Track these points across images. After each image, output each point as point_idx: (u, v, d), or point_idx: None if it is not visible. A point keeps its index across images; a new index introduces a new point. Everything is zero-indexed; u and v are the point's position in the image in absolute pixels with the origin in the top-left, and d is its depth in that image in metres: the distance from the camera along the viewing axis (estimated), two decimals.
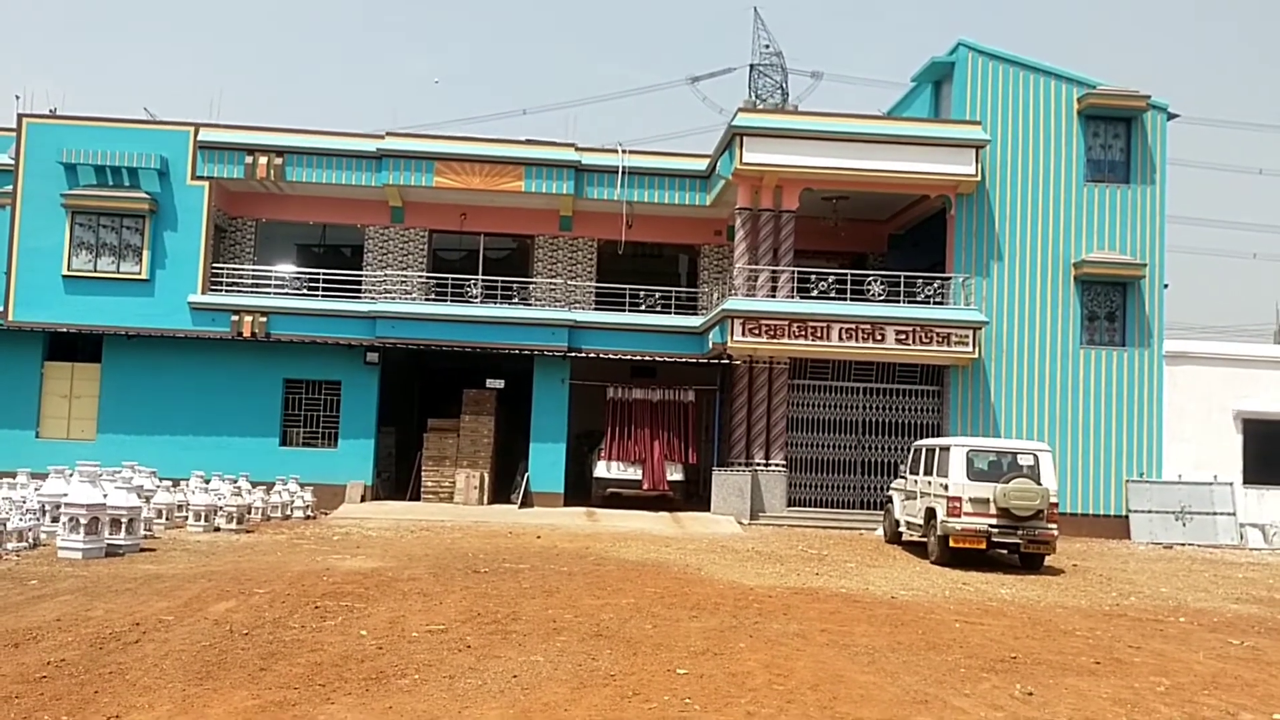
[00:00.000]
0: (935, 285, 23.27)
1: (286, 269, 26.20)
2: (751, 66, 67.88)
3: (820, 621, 11.05)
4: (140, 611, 9.91)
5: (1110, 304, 23.90)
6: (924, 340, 22.34)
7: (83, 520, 13.47)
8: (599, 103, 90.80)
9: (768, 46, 67.95)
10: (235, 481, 20.02)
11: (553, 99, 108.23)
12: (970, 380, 23.25)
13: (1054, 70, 24.09)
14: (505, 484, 24.86)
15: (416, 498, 23.87)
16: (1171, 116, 24.17)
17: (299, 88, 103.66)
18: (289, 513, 20.56)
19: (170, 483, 19.35)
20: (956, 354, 22.50)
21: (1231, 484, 23.12)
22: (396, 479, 25.20)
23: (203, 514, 17.56)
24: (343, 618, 10.09)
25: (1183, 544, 22.41)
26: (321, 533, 18.21)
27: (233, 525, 17.73)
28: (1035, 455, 17.04)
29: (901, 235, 27.17)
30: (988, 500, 16.32)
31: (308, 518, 20.75)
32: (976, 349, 22.59)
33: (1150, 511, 22.89)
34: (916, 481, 18.40)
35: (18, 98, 33.47)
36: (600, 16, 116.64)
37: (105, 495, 14.13)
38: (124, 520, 14.23)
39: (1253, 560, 20.28)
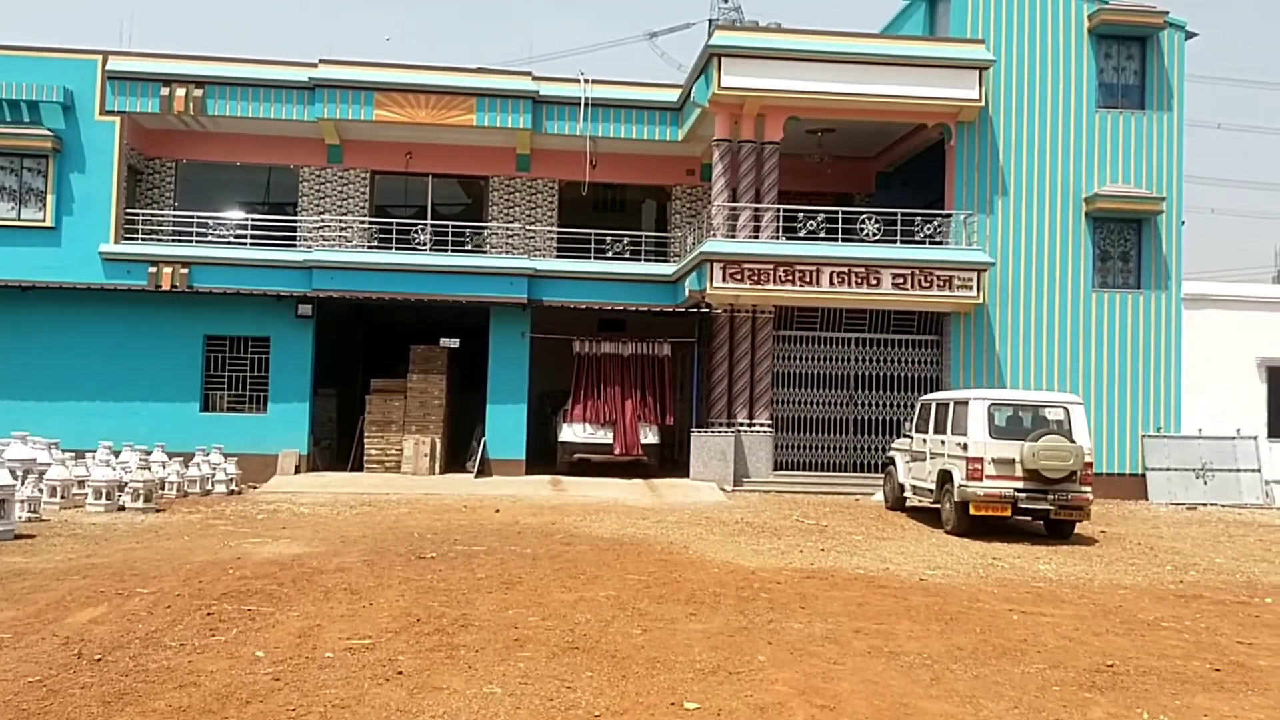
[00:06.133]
0: (935, 224, 20.98)
1: (211, 215, 23.35)
2: (710, 21, 65.40)
3: (849, 618, 8.82)
4: None
5: (1124, 242, 21.73)
6: (923, 284, 20.08)
7: None
8: (555, 59, 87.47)
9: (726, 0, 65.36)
10: (148, 453, 17.51)
11: (507, 57, 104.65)
12: (973, 328, 21.06)
13: None
14: (460, 451, 22.45)
15: (359, 468, 21.37)
16: (1190, 35, 21.95)
17: (228, 37, 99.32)
18: (210, 487, 17.99)
19: (74, 455, 16.79)
20: (959, 299, 20.26)
21: (1256, 438, 21.17)
22: (338, 447, 22.69)
23: (104, 491, 14.99)
24: (239, 630, 7.72)
25: (1205, 504, 20.48)
26: (244, 510, 15.72)
27: (139, 504, 15.19)
28: (1066, 409, 14.93)
29: (890, 174, 24.83)
30: (1014, 461, 14.21)
31: (232, 492, 18.18)
32: (980, 293, 20.36)
33: (1169, 469, 20.90)
34: (925, 441, 16.22)
35: None
36: None
37: None
38: None
39: None
